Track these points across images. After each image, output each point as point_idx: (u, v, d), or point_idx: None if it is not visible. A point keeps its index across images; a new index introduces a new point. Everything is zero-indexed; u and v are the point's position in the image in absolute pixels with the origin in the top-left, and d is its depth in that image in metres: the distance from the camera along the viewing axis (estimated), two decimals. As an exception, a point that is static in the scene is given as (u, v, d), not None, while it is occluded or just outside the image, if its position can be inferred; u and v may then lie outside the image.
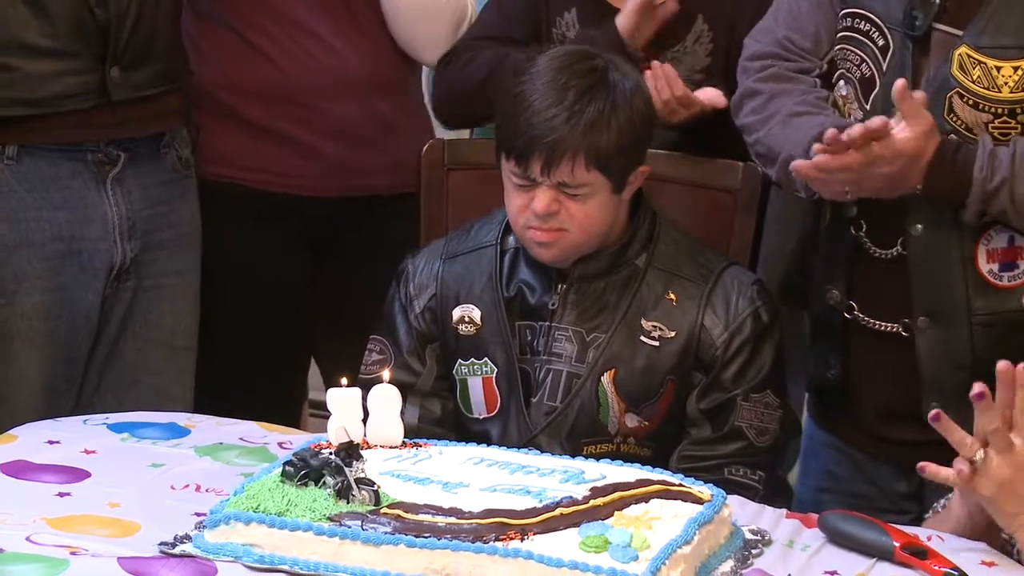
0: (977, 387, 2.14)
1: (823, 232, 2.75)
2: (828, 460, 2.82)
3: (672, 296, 2.62)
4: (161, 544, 2.09)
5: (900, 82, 2.48)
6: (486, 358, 2.66)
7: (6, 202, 2.86)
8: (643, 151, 2.61)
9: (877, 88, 2.60)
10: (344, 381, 2.26)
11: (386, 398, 2.27)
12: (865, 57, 2.61)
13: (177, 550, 2.08)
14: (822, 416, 2.84)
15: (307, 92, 3.10)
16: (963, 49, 2.51)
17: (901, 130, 2.48)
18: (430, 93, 3.16)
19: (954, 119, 2.52)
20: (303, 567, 2.03)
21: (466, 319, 2.67)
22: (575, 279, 2.63)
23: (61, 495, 2.23)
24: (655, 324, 2.61)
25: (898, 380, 2.65)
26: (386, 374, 2.32)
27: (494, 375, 2.65)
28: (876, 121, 2.47)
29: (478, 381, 2.67)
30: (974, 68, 2.49)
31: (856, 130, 2.46)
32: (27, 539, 2.08)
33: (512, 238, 2.67)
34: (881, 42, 2.59)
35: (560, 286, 2.64)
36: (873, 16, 2.61)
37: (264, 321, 3.20)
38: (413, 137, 3.16)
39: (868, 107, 2.61)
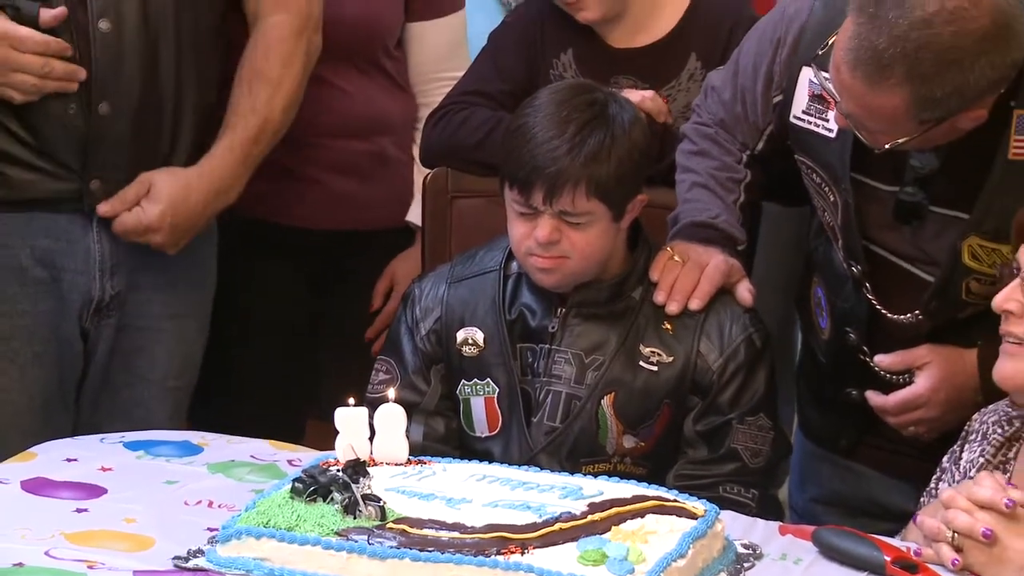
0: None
1: (823, 344, 2.75)
2: (832, 477, 2.82)
3: (668, 326, 2.66)
4: (175, 558, 2.13)
5: (876, 401, 2.58)
6: (488, 379, 2.69)
7: None
8: (641, 180, 2.65)
9: (840, 241, 2.59)
10: (351, 401, 2.29)
11: (392, 417, 2.30)
12: (827, 207, 2.60)
13: (190, 564, 2.11)
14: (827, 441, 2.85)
15: (314, 131, 3.13)
16: (974, 240, 2.42)
17: (918, 385, 2.54)
18: (420, 143, 3.15)
19: (973, 297, 2.49)
20: (312, 580, 2.05)
21: (469, 341, 2.71)
22: (575, 304, 2.67)
23: (79, 511, 2.27)
24: (653, 350, 2.65)
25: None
26: (391, 393, 2.34)
27: (496, 395, 2.69)
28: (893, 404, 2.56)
29: (480, 401, 2.70)
30: (989, 255, 2.43)
31: (889, 410, 2.58)
32: (46, 553, 2.12)
33: (515, 264, 2.71)
34: (831, 198, 2.57)
35: (560, 310, 2.68)
36: (818, 170, 2.57)
37: (268, 355, 3.23)
38: (414, 171, 3.22)
39: (841, 256, 2.60)
